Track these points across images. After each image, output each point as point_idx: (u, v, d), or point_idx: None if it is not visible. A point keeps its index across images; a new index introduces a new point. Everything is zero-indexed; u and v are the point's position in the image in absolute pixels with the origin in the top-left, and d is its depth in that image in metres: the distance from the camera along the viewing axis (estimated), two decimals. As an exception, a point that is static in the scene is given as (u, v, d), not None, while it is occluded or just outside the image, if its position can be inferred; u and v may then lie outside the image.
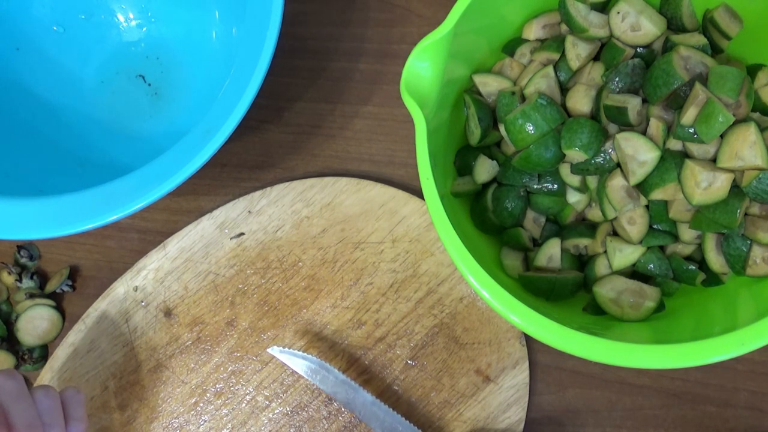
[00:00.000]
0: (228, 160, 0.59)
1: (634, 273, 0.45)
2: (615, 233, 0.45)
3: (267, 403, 0.52)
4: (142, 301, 0.55)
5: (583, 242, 0.46)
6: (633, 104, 0.41)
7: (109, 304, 0.55)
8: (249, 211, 0.55)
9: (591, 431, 0.51)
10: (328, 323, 0.53)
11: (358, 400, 0.48)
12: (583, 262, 0.47)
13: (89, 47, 0.59)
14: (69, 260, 0.58)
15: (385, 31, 0.60)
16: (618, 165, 0.43)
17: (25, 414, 0.40)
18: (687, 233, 0.43)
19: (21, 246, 0.58)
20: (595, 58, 0.47)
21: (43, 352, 0.56)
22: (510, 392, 0.50)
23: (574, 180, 0.45)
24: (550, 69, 0.45)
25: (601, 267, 0.45)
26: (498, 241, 0.48)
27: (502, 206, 0.46)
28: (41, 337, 0.56)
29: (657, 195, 0.42)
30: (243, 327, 0.54)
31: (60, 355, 0.54)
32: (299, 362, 0.49)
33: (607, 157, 0.42)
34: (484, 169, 0.47)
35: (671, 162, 0.41)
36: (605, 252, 0.45)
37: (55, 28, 0.58)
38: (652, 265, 0.44)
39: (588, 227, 0.47)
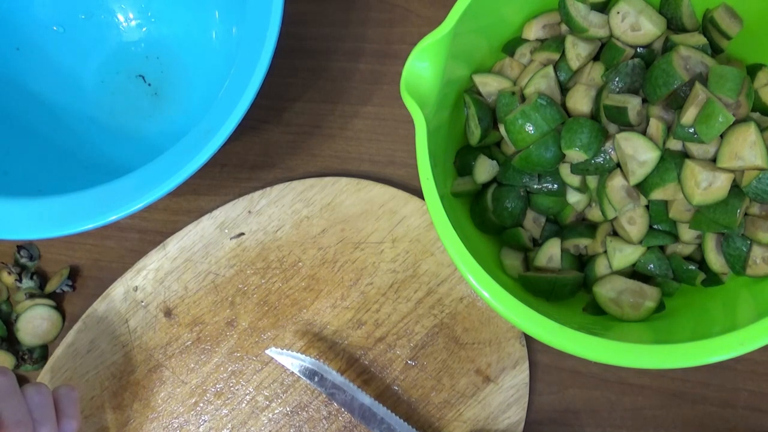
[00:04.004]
0: (228, 160, 0.59)
1: (634, 273, 0.45)
2: (615, 233, 0.45)
3: (267, 403, 0.52)
4: (142, 301, 0.55)
5: (583, 242, 0.46)
6: (633, 104, 0.41)
7: (109, 304, 0.55)
8: (249, 211, 0.55)
9: (591, 431, 0.51)
10: (328, 323, 0.53)
11: (356, 402, 0.48)
12: (583, 262, 0.47)
13: (89, 47, 0.59)
14: (69, 260, 0.58)
15: (385, 31, 0.60)
16: (618, 165, 0.43)
17: (15, 411, 0.40)
18: (687, 233, 0.43)
19: (21, 246, 0.58)
20: (595, 58, 0.47)
21: (43, 352, 0.56)
22: (510, 392, 0.50)
23: (574, 180, 0.45)
24: (550, 69, 0.45)
25: (601, 267, 0.45)
26: (498, 241, 0.48)
27: (502, 206, 0.46)
28: (41, 337, 0.56)
29: (657, 195, 0.42)
30: (243, 327, 0.54)
31: (60, 355, 0.54)
32: (297, 364, 0.49)
33: (607, 157, 0.42)
34: (484, 169, 0.47)
35: (671, 162, 0.41)
36: (605, 252, 0.45)
37: (55, 28, 0.58)
38: (652, 265, 0.44)
39: (588, 227, 0.47)
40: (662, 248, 0.45)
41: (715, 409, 0.50)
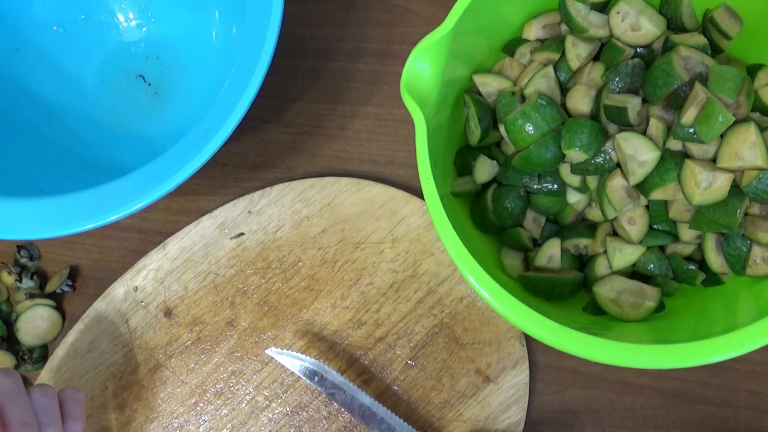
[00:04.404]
0: (228, 160, 0.59)
1: (634, 273, 0.45)
2: (615, 233, 0.45)
3: (267, 403, 0.52)
4: (142, 301, 0.55)
5: (583, 242, 0.46)
6: (633, 104, 0.41)
7: (109, 304, 0.55)
8: (249, 211, 0.55)
9: (591, 431, 0.51)
10: (328, 323, 0.53)
11: (356, 402, 0.48)
12: (583, 262, 0.47)
13: (89, 47, 0.59)
14: (69, 260, 0.58)
15: (385, 31, 0.60)
16: (618, 165, 0.43)
17: (21, 412, 0.40)
18: (687, 233, 0.43)
19: (21, 246, 0.58)
20: (595, 58, 0.47)
21: (43, 352, 0.56)
22: (510, 392, 0.50)
23: (574, 180, 0.45)
24: (550, 69, 0.45)
25: (601, 267, 0.45)
26: (498, 241, 0.48)
27: (502, 206, 0.46)
28: (41, 337, 0.56)
29: (657, 195, 0.42)
30: (243, 327, 0.54)
31: (60, 355, 0.54)
32: (297, 364, 0.49)
33: (607, 157, 0.42)
34: (484, 169, 0.47)
35: (671, 162, 0.41)
36: (605, 252, 0.45)
37: (55, 28, 0.58)
38: (652, 265, 0.44)
39: (588, 227, 0.47)
40: (662, 248, 0.45)
41: (715, 409, 0.50)
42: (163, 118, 0.58)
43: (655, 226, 0.44)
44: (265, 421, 0.52)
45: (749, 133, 0.38)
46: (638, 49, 0.45)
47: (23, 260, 0.58)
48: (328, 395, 0.49)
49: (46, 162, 0.54)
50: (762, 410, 0.50)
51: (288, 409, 0.52)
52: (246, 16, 0.46)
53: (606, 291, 0.43)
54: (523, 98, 0.45)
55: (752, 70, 0.44)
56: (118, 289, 0.55)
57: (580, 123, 0.42)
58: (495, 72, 0.49)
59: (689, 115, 0.39)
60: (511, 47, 0.49)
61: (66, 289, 0.57)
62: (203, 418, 0.53)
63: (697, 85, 0.39)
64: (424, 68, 0.42)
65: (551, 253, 0.46)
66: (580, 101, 0.44)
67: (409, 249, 0.53)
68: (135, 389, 0.54)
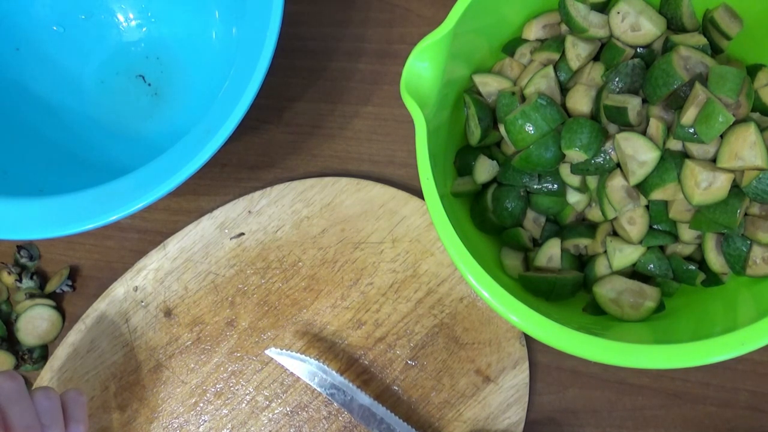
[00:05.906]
0: (228, 160, 0.59)
1: (634, 273, 0.45)
2: (615, 233, 0.45)
3: (267, 403, 0.52)
4: (142, 301, 0.55)
5: (583, 242, 0.46)
6: (633, 104, 0.41)
7: (109, 304, 0.55)
8: (249, 211, 0.55)
9: (591, 431, 0.51)
10: (328, 323, 0.53)
11: (355, 403, 0.48)
12: (583, 262, 0.47)
13: (89, 47, 0.59)
14: (69, 260, 0.58)
15: (385, 31, 0.60)
16: (618, 165, 0.43)
17: (24, 415, 0.40)
18: (687, 233, 0.43)
19: (21, 246, 0.58)
20: (595, 58, 0.47)
21: (43, 352, 0.56)
22: (510, 392, 0.50)
23: (574, 180, 0.45)
24: (550, 69, 0.45)
25: (601, 267, 0.45)
26: (498, 241, 0.48)
27: (502, 206, 0.46)
28: (41, 337, 0.56)
29: (657, 195, 0.42)
30: (243, 327, 0.54)
31: (60, 355, 0.54)
32: (297, 364, 0.49)
33: (607, 157, 0.42)
34: (484, 169, 0.47)
35: (671, 162, 0.41)
36: (605, 252, 0.45)
37: (55, 28, 0.58)
38: (652, 265, 0.44)
39: (588, 227, 0.47)
40: (662, 248, 0.45)
41: (715, 409, 0.50)
42: (163, 118, 0.58)
43: (655, 226, 0.44)
44: (265, 421, 0.52)
45: (749, 133, 0.38)
46: (638, 49, 0.45)
47: (23, 260, 0.58)
48: (328, 395, 0.49)
49: (46, 162, 0.54)
50: (762, 410, 0.50)
51: (288, 409, 0.52)
52: (246, 16, 0.46)
53: (606, 291, 0.43)
54: (523, 98, 0.45)
55: (752, 70, 0.44)
56: (118, 289, 0.55)
57: (580, 123, 0.42)
58: (495, 72, 0.49)
59: (689, 115, 0.39)
60: (511, 47, 0.49)
61: (66, 289, 0.57)
62: (203, 418, 0.53)
63: (697, 85, 0.39)
64: (424, 68, 0.42)
65: (551, 253, 0.46)
66: (580, 101, 0.44)
67: (409, 249, 0.53)
68: (135, 389, 0.54)
